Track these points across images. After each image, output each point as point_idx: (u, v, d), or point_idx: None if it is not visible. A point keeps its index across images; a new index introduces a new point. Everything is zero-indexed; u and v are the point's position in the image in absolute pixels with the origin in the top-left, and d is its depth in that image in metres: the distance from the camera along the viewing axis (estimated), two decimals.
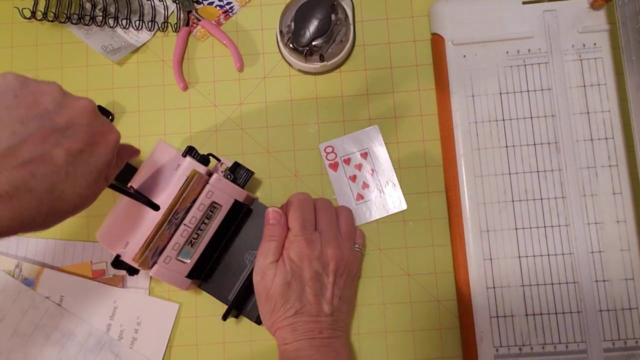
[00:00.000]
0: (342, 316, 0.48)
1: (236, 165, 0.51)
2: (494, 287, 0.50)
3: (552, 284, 0.50)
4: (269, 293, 0.46)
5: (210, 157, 0.50)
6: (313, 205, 0.49)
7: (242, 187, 0.50)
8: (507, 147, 0.52)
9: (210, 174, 0.48)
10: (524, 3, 0.53)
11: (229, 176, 0.50)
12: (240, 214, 0.51)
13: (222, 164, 0.51)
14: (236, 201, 0.50)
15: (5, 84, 0.34)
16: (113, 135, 0.38)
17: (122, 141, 0.56)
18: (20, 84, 0.35)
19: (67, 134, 0.34)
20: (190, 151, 0.48)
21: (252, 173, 0.51)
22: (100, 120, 0.37)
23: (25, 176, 0.32)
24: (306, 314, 0.46)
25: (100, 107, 0.55)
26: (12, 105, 0.33)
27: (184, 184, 0.46)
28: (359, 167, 0.55)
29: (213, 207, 0.49)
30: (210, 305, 0.53)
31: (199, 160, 0.48)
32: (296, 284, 0.46)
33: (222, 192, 0.48)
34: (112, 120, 0.55)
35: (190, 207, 0.47)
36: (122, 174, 0.54)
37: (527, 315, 0.50)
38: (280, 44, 0.54)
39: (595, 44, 0.52)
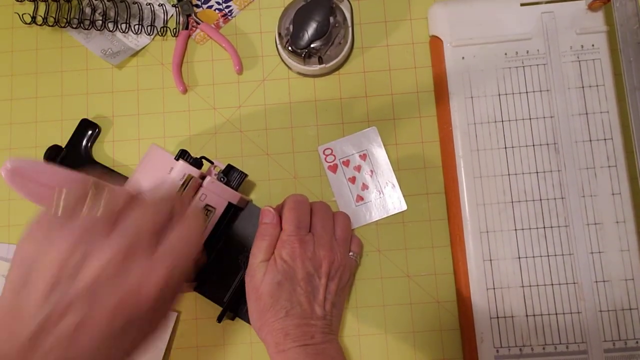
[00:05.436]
0: (333, 319, 0.48)
1: (229, 168, 0.51)
2: (493, 288, 0.50)
3: (552, 284, 0.50)
4: (259, 292, 0.46)
5: (203, 160, 0.50)
6: (309, 207, 0.49)
7: (236, 190, 0.50)
8: (506, 148, 0.52)
9: (203, 177, 0.48)
10: (522, 5, 0.53)
11: (222, 179, 0.50)
12: (235, 217, 0.51)
13: (215, 166, 0.51)
14: (230, 204, 0.50)
15: None
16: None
17: (120, 143, 0.58)
18: None
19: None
20: (183, 154, 0.48)
21: (246, 175, 0.51)
22: None
23: None
24: (297, 316, 0.45)
25: (86, 120, 0.56)
26: None
27: (180, 190, 0.46)
28: (358, 168, 0.55)
29: (207, 210, 0.49)
30: (210, 308, 0.53)
31: (191, 164, 0.47)
32: (287, 284, 0.46)
33: (215, 195, 0.48)
34: (98, 132, 0.56)
35: None
36: (115, 181, 0.54)
37: (527, 316, 0.50)
38: (279, 46, 0.54)
39: (593, 45, 0.53)
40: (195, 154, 0.54)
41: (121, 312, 0.30)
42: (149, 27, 0.57)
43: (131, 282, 0.30)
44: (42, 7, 0.58)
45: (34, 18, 0.57)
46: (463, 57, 0.53)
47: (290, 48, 0.52)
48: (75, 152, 0.56)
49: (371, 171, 0.55)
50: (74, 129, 0.56)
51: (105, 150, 0.57)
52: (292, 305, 0.45)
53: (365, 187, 0.54)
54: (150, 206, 0.33)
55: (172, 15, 0.58)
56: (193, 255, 0.34)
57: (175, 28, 0.57)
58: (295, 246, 0.46)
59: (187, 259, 0.33)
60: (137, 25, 0.57)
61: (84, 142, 0.56)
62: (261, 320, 0.46)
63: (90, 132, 0.56)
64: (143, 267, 0.31)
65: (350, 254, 0.51)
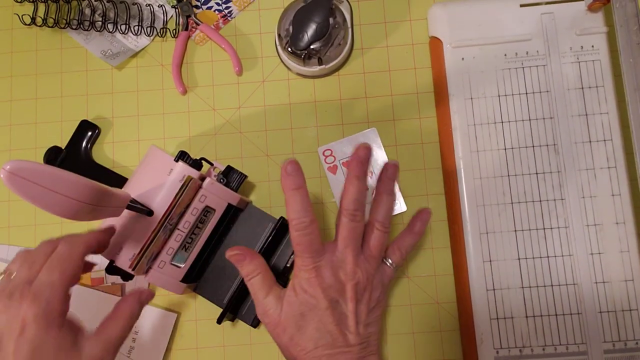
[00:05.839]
0: (371, 338, 0.44)
1: (229, 169, 0.51)
2: (493, 289, 0.50)
3: (552, 285, 0.50)
4: (281, 326, 0.43)
5: (202, 161, 0.50)
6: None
7: (235, 191, 0.50)
8: (505, 149, 0.52)
9: (203, 178, 0.48)
10: (521, 6, 0.53)
11: (222, 180, 0.50)
12: (235, 218, 0.51)
13: (215, 167, 0.51)
14: (229, 205, 0.50)
15: None
16: None
17: (120, 144, 0.58)
18: None
19: None
20: (182, 156, 0.47)
21: (245, 176, 0.51)
22: None
23: None
24: (328, 347, 0.42)
25: (85, 121, 0.56)
26: None
27: (179, 191, 0.46)
28: None
29: (206, 211, 0.49)
30: (210, 309, 0.53)
31: (191, 165, 0.47)
32: (311, 314, 0.42)
33: (215, 196, 0.48)
34: (98, 133, 0.56)
35: (184, 211, 0.47)
36: (114, 182, 0.54)
37: (527, 317, 0.50)
38: (279, 47, 0.54)
39: (593, 46, 0.53)
40: (194, 155, 0.54)
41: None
42: (148, 28, 0.57)
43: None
44: (41, 8, 0.58)
45: (33, 19, 0.57)
46: (463, 58, 0.53)
47: (290, 49, 0.52)
48: (75, 154, 0.56)
49: (371, 172, 0.55)
50: (73, 130, 0.56)
51: (105, 152, 0.57)
52: (320, 335, 0.42)
53: None
54: (27, 259, 0.40)
55: (172, 16, 0.58)
56: (61, 283, 0.39)
57: (175, 29, 0.57)
58: (311, 276, 0.43)
59: (50, 292, 0.38)
60: (136, 27, 0.57)
61: (84, 144, 0.56)
62: (290, 354, 0.43)
63: (90, 133, 0.56)
64: (13, 313, 0.37)
65: (387, 262, 0.47)
